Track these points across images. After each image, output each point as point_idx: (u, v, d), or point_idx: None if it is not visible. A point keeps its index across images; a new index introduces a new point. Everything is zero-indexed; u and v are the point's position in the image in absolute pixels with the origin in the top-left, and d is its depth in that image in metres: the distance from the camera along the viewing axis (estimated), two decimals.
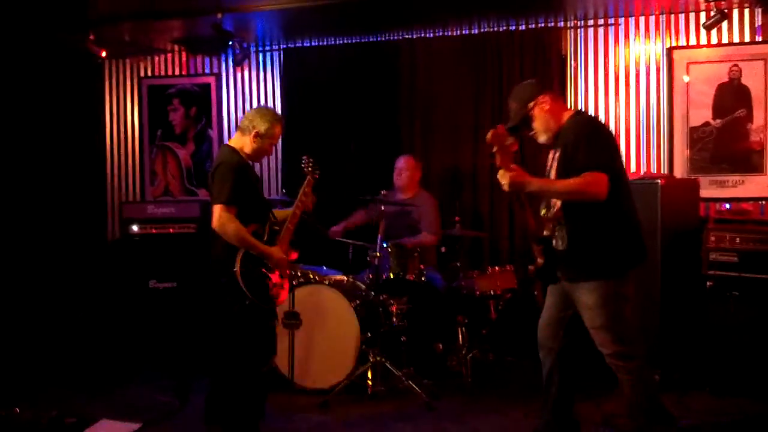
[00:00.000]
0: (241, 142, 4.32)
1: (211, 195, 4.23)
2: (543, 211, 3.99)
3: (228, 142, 4.44)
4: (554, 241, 3.87)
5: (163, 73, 7.47)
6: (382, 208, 5.56)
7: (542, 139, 3.97)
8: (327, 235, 5.85)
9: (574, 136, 3.75)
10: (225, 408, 4.26)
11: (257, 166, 7.03)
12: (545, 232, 3.94)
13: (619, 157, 3.89)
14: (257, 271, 4.13)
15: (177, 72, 7.43)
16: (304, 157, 4.53)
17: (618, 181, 3.72)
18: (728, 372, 5.04)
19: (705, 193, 5.83)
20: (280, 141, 6.84)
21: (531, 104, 3.90)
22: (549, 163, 4.01)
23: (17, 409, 4.35)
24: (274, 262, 4.17)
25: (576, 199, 3.72)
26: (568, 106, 3.98)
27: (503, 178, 3.75)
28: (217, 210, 4.07)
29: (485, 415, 4.74)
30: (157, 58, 7.46)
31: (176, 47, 7.30)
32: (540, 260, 3.90)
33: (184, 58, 7.41)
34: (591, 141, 3.69)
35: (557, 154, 3.88)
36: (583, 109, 6.25)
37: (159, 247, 6.54)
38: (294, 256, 4.39)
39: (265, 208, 4.37)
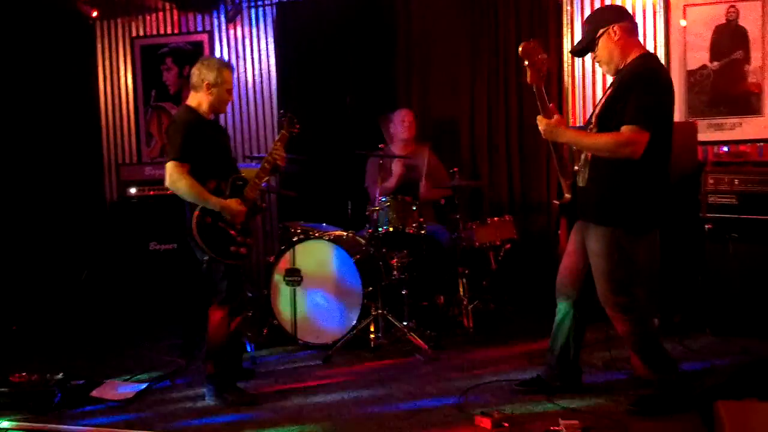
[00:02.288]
0: (197, 99, 4.30)
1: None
2: (574, 147, 3.95)
3: (185, 102, 4.40)
4: (578, 177, 3.83)
5: (155, 32, 7.39)
6: (380, 161, 5.55)
7: (604, 69, 3.89)
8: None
9: (631, 80, 3.63)
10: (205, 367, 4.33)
11: (253, 125, 7.08)
12: (575, 167, 3.89)
13: (671, 114, 3.78)
14: (215, 226, 4.13)
15: (169, 30, 7.35)
16: (281, 111, 4.49)
17: (660, 140, 3.62)
18: (728, 313, 5.08)
19: (703, 136, 5.80)
20: (275, 98, 6.95)
21: (601, 30, 3.77)
22: (601, 98, 3.92)
23: (24, 373, 4.37)
24: (230, 215, 4.15)
25: (609, 156, 3.64)
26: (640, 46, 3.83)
27: (540, 123, 3.75)
28: (168, 167, 4.11)
29: (488, 363, 4.78)
30: (148, 17, 7.38)
31: (167, 5, 7.22)
32: (568, 195, 3.88)
33: (175, 16, 7.32)
34: (646, 92, 3.57)
35: (610, 91, 3.78)
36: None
37: (158, 209, 6.54)
38: (263, 207, 4.38)
39: (227, 164, 4.35)
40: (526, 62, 3.69)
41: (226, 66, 4.33)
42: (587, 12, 6.24)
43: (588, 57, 5.80)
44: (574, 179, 3.87)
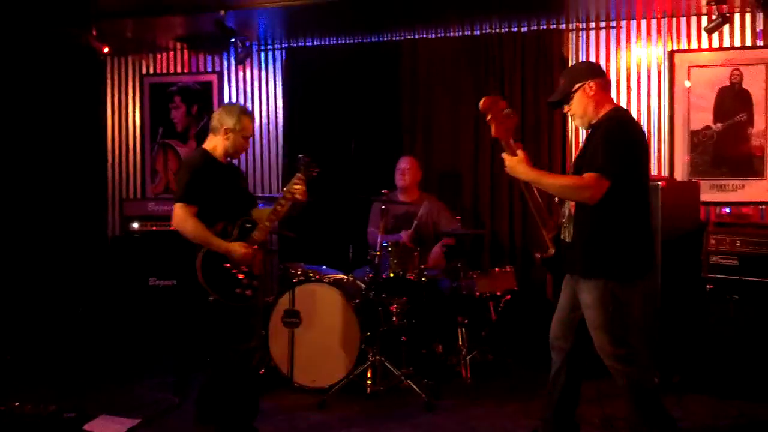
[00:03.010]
0: (213, 143, 4.33)
1: None
2: (557, 199, 3.98)
3: (202, 145, 4.42)
4: (562, 232, 3.87)
5: (165, 70, 7.48)
6: (383, 206, 5.58)
7: (578, 122, 3.96)
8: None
9: (601, 132, 3.71)
10: (216, 407, 4.27)
11: (258, 166, 7.12)
12: (558, 220, 3.93)
13: (644, 164, 3.83)
14: (221, 268, 4.12)
15: (179, 69, 7.45)
16: (300, 156, 4.51)
17: (632, 189, 3.67)
18: (728, 375, 5.05)
19: (705, 197, 5.85)
20: (281, 139, 7.00)
21: (578, 85, 3.84)
22: (578, 152, 3.99)
23: (17, 403, 4.33)
24: (235, 259, 4.14)
25: (567, 198, 3.76)
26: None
27: (506, 159, 3.77)
28: (175, 208, 4.13)
29: (484, 415, 4.75)
30: (159, 56, 7.48)
31: (178, 44, 7.31)
32: (552, 250, 3.90)
33: (186, 56, 7.42)
34: (612, 144, 3.63)
35: (584, 144, 3.87)
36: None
37: (159, 245, 6.54)
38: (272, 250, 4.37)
39: (237, 206, 4.34)
40: (489, 116, 3.72)
41: (246, 114, 4.36)
42: None
43: None
44: (557, 232, 3.91)
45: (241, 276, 4.16)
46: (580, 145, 6.30)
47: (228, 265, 4.14)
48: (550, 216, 3.99)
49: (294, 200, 4.28)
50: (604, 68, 6.21)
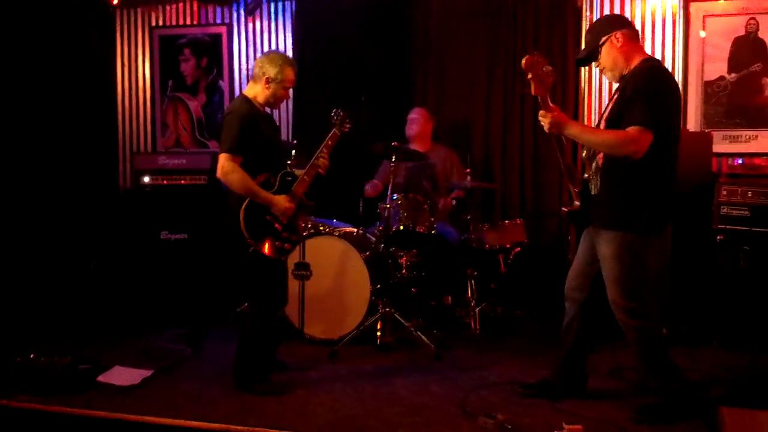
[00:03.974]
0: (254, 91, 4.32)
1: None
2: (584, 153, 3.96)
3: (243, 92, 4.43)
4: (590, 185, 3.84)
5: (174, 22, 7.42)
6: (392, 165, 5.55)
7: (608, 76, 3.92)
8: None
9: (635, 83, 3.65)
10: (236, 356, 4.34)
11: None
12: (585, 175, 3.91)
13: (678, 117, 3.81)
14: (262, 220, 4.16)
15: (188, 22, 7.38)
16: (335, 110, 4.50)
17: (666, 142, 3.65)
18: (737, 326, 5.06)
19: (718, 148, 5.79)
20: (291, 92, 6.95)
21: (604, 38, 3.79)
22: (608, 103, 3.93)
23: (32, 355, 4.40)
24: (278, 211, 4.18)
25: (611, 153, 3.68)
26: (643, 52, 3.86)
27: (544, 117, 3.72)
28: (221, 159, 4.13)
29: (493, 365, 4.78)
30: (168, 8, 7.41)
31: None
32: (577, 203, 3.88)
33: (195, 8, 7.34)
34: (651, 94, 3.60)
35: (616, 96, 3.81)
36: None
37: (170, 199, 6.58)
38: (310, 205, 4.42)
39: (278, 158, 4.39)
40: (530, 75, 3.68)
41: (289, 64, 4.32)
42: None
43: None
44: (583, 187, 3.88)
45: (279, 228, 4.21)
46: (595, 96, 6.29)
47: (269, 217, 4.18)
48: (576, 171, 3.97)
49: (318, 172, 4.35)
50: None
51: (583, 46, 6.18)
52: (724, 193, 5.16)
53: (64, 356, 4.41)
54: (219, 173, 4.15)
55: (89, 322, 5.89)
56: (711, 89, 6.01)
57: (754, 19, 5.89)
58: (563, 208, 4.08)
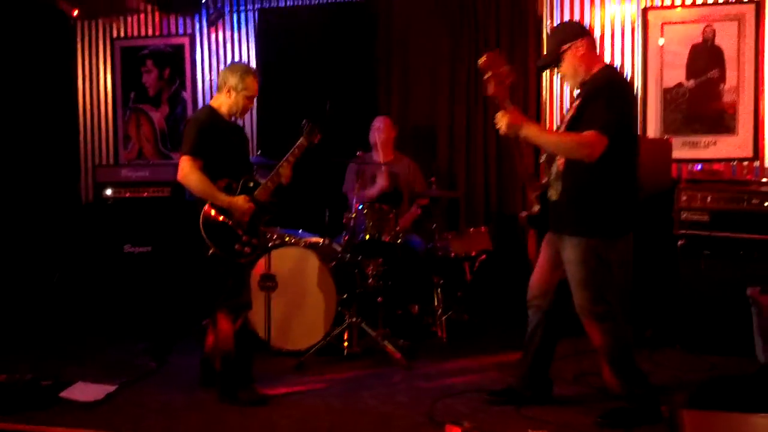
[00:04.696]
0: (219, 101, 4.40)
1: None
2: (543, 158, 3.99)
3: (209, 102, 4.52)
4: (549, 190, 3.88)
5: (136, 34, 7.38)
6: (358, 169, 5.57)
7: (569, 82, 3.96)
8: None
9: (595, 90, 3.71)
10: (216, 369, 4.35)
11: None
12: (543, 180, 3.95)
13: (635, 122, 3.88)
14: (222, 222, 4.19)
15: (150, 33, 7.34)
16: (305, 120, 4.53)
17: (626, 147, 3.71)
18: (699, 329, 5.13)
19: (677, 153, 5.87)
20: (255, 102, 6.92)
21: (566, 46, 3.84)
22: (568, 109, 3.98)
23: None
24: (238, 211, 4.21)
25: (566, 155, 3.73)
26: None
27: (501, 118, 3.72)
28: (181, 161, 4.21)
29: (460, 372, 4.80)
30: (130, 19, 7.36)
31: (149, 6, 7.20)
32: (536, 207, 3.92)
33: (157, 19, 7.31)
34: (610, 101, 3.65)
35: (576, 102, 3.85)
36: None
37: (133, 211, 6.51)
38: (274, 208, 4.44)
39: (241, 166, 4.42)
40: (489, 74, 3.69)
41: (249, 73, 4.37)
42: None
43: None
44: (542, 191, 3.92)
45: (240, 232, 4.22)
46: (556, 103, 6.35)
47: (228, 221, 4.20)
48: (535, 175, 4.00)
49: (279, 183, 4.39)
50: None
51: (544, 52, 6.30)
52: (684, 198, 5.23)
53: (25, 372, 4.35)
54: (179, 175, 4.21)
55: (52, 337, 5.81)
56: (670, 96, 6.10)
57: (710, 26, 5.99)
58: (521, 213, 4.10)
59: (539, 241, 4.12)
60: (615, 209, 3.75)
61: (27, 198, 6.65)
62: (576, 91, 3.98)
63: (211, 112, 4.37)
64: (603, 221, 3.73)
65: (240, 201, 4.23)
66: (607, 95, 3.67)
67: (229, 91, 4.32)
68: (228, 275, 4.26)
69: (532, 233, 4.15)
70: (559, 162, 3.83)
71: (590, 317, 3.78)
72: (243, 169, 4.44)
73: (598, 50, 4.03)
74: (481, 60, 3.70)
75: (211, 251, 4.16)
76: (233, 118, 4.46)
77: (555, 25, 4.02)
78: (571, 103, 4.01)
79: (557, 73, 3.98)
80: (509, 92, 3.74)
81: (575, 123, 3.75)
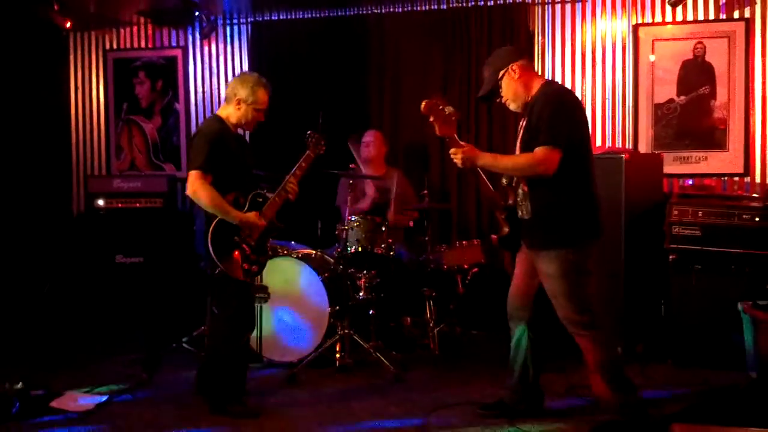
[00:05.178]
0: (227, 112, 4.35)
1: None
2: (505, 181, 4.04)
3: (216, 112, 4.46)
4: (519, 211, 3.93)
5: (128, 45, 7.39)
6: (350, 181, 5.58)
7: (512, 107, 4.00)
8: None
9: (539, 107, 3.78)
10: (209, 381, 4.32)
11: None
12: (509, 201, 4.00)
13: (586, 130, 3.91)
14: (230, 240, 4.13)
15: (143, 45, 7.36)
16: (309, 132, 4.51)
17: (580, 155, 3.77)
18: (690, 343, 5.14)
19: (668, 169, 5.91)
20: None
21: (502, 72, 3.91)
22: (518, 132, 4.03)
23: None
24: (250, 227, 4.17)
25: (524, 175, 3.82)
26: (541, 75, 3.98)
27: (455, 154, 3.85)
28: (191, 176, 4.12)
29: (452, 385, 4.80)
30: (122, 31, 7.38)
31: (142, 19, 7.22)
32: (506, 229, 3.96)
33: (150, 31, 7.33)
34: (553, 115, 3.72)
35: (524, 122, 3.92)
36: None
37: (125, 222, 6.51)
38: (279, 227, 4.44)
39: (248, 179, 4.39)
40: (432, 118, 3.82)
41: (261, 86, 4.33)
42: (559, 42, 6.37)
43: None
44: (508, 212, 3.99)
45: (248, 250, 4.17)
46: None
47: (238, 238, 4.14)
48: (500, 198, 4.05)
49: (287, 198, 4.37)
50: (570, 42, 6.34)
51: (537, 67, 6.35)
52: (676, 213, 5.25)
53: (15, 382, 4.32)
54: (189, 190, 4.13)
55: (43, 347, 5.78)
56: (661, 111, 6.14)
57: (701, 43, 6.05)
58: (493, 236, 4.16)
59: (513, 259, 4.16)
60: (581, 217, 3.81)
61: (19, 208, 6.63)
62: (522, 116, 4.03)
63: (220, 124, 4.29)
64: (572, 231, 3.79)
65: (252, 217, 4.19)
66: (550, 110, 3.74)
67: (239, 102, 4.27)
68: (233, 293, 4.21)
69: (507, 253, 4.21)
70: (523, 184, 3.90)
71: (577, 327, 3.81)
72: (249, 182, 4.39)
73: (534, 69, 4.06)
74: (422, 106, 3.80)
75: (218, 270, 4.10)
76: (240, 130, 4.44)
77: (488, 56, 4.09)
78: (519, 125, 4.06)
79: (500, 101, 4.03)
80: (455, 129, 3.88)
81: (526, 144, 3.82)
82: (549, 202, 3.80)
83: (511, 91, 3.93)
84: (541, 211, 3.82)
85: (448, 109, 3.84)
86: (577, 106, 3.92)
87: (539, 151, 3.69)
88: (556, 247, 3.78)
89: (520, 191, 3.92)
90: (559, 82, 4.19)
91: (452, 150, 3.86)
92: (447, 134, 3.85)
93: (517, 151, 3.95)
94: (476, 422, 4.05)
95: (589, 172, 3.86)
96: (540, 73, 6.30)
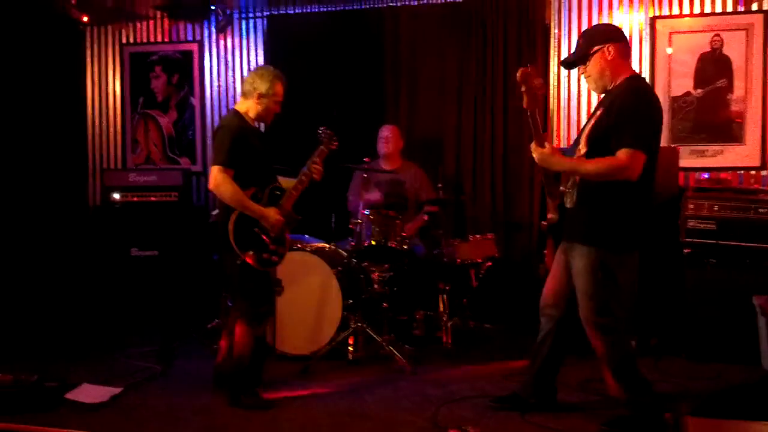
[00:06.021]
0: (246, 106, 4.40)
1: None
2: None
3: (234, 106, 4.51)
4: (566, 198, 3.85)
5: (145, 39, 7.41)
6: (365, 175, 5.59)
7: (592, 86, 3.90)
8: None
9: (623, 102, 3.63)
10: (227, 374, 4.37)
11: None
12: (562, 188, 3.90)
13: (660, 136, 3.78)
14: (251, 232, 4.21)
15: (159, 39, 7.38)
16: (322, 128, 4.54)
17: (649, 162, 3.61)
18: (705, 337, 5.12)
19: (684, 162, 5.86)
20: None
21: (596, 47, 3.76)
22: (589, 119, 3.93)
23: None
24: (269, 224, 4.23)
25: (608, 179, 3.62)
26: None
27: (534, 152, 3.74)
28: (214, 170, 4.20)
29: (464, 379, 4.79)
30: (139, 25, 7.40)
31: (158, 13, 7.24)
32: (554, 216, 3.90)
33: (166, 25, 7.34)
34: (641, 115, 3.58)
35: (599, 112, 3.77)
36: (562, 75, 6.26)
37: (141, 215, 6.54)
38: (297, 219, 4.47)
39: (267, 173, 4.43)
40: (524, 87, 3.68)
41: (279, 79, 4.40)
42: (575, 35, 6.31)
43: (574, 80, 5.90)
44: (561, 200, 3.90)
45: (268, 241, 4.26)
46: (563, 111, 6.32)
47: (257, 230, 4.22)
48: (556, 183, 3.97)
49: (312, 178, 4.41)
50: None
51: (553, 61, 6.31)
52: (691, 207, 5.23)
53: (31, 374, 4.36)
54: (211, 185, 4.23)
55: (58, 339, 5.83)
56: (678, 104, 6.09)
57: (718, 35, 5.99)
58: (543, 222, 4.08)
59: (556, 249, 4.09)
60: (626, 223, 3.70)
61: (35, 201, 6.68)
62: (596, 100, 3.93)
63: (240, 118, 4.36)
64: (613, 233, 3.69)
65: (272, 212, 4.26)
66: (637, 110, 3.59)
67: (259, 97, 4.33)
68: (255, 283, 4.28)
69: (551, 242, 4.13)
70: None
71: (594, 328, 3.76)
72: (268, 176, 4.44)
73: (629, 59, 3.94)
74: (519, 73, 3.69)
75: (240, 260, 4.18)
76: (257, 123, 4.48)
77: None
78: (592, 113, 3.93)
79: (581, 73, 3.92)
80: (541, 105, 3.76)
81: (599, 135, 3.69)
82: (594, 196, 3.69)
83: (598, 69, 3.77)
84: (584, 203, 3.73)
85: (538, 81, 3.70)
86: (661, 112, 3.77)
87: (623, 154, 3.53)
88: (590, 244, 3.70)
89: (571, 178, 3.82)
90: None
91: (532, 146, 3.74)
92: (533, 108, 3.68)
93: (583, 140, 3.80)
94: (489, 415, 4.05)
95: (651, 182, 3.72)
96: (557, 67, 6.30)
